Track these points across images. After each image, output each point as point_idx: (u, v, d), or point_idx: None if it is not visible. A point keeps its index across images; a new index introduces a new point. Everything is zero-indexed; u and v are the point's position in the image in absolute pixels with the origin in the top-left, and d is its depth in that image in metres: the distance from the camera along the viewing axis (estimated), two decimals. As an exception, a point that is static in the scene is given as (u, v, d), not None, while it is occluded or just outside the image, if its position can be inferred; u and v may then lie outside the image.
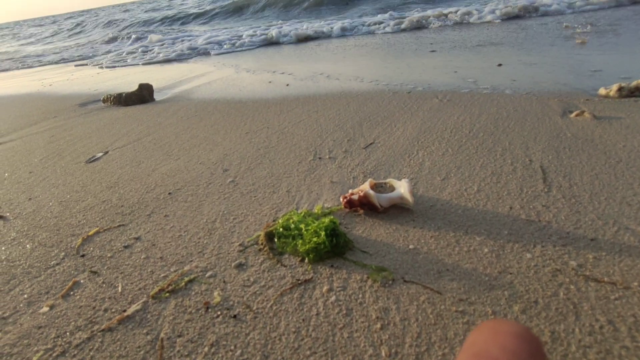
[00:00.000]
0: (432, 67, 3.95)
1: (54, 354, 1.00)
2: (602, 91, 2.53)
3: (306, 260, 1.25)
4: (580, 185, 1.52)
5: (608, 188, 1.48)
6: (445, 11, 7.82)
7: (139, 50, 8.85)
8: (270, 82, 4.17)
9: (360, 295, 1.08)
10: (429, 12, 8.08)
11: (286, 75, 4.44)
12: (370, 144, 2.15)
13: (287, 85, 3.89)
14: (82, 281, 1.26)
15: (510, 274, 1.10)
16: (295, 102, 3.22)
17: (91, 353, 0.99)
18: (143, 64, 7.23)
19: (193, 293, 1.15)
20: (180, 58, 7.42)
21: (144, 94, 3.94)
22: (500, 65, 3.67)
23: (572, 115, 2.23)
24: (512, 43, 4.77)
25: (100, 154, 2.49)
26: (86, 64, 8.17)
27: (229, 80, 4.53)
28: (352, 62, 4.94)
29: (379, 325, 0.98)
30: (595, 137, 1.93)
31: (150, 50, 8.64)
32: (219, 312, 1.07)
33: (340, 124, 2.53)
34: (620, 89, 2.41)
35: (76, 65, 8.22)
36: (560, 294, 1.02)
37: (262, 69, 5.11)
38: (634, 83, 2.40)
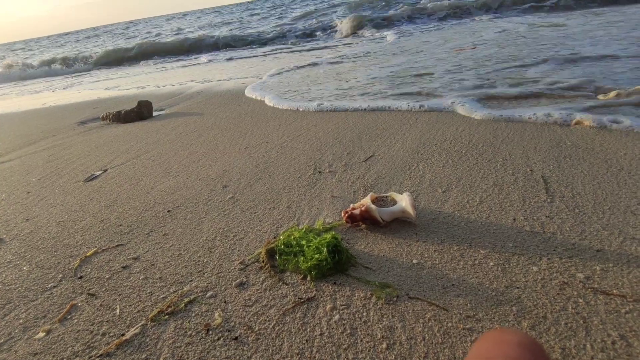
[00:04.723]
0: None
1: (50, 382, 0.97)
2: (600, 98, 2.54)
3: (308, 277, 1.22)
4: (583, 195, 1.50)
5: (611, 197, 1.46)
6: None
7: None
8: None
9: (365, 314, 1.06)
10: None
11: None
12: (370, 157, 2.15)
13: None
14: (79, 304, 1.23)
15: (517, 288, 1.08)
16: (294, 115, 3.23)
17: (88, 380, 0.96)
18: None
19: (193, 315, 1.13)
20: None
21: (142, 111, 3.95)
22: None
23: (572, 123, 2.23)
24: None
25: (99, 172, 2.47)
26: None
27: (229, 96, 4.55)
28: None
29: (384, 345, 0.95)
30: (595, 145, 1.93)
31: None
32: (219, 334, 1.04)
33: (339, 137, 2.53)
34: (618, 96, 2.41)
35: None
36: (569, 308, 1.00)
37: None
38: (631, 90, 2.41)
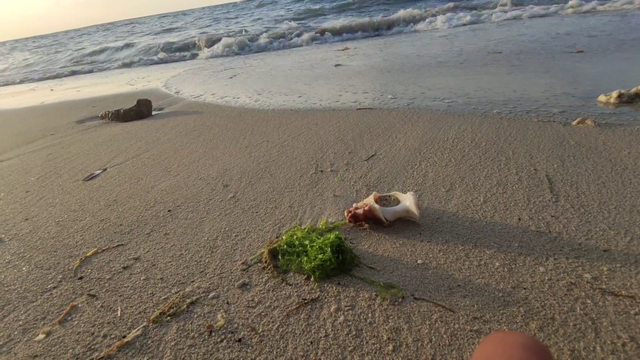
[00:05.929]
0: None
1: (50, 385, 0.95)
2: (602, 98, 2.53)
3: (312, 278, 1.21)
4: (588, 194, 1.49)
5: (616, 196, 1.45)
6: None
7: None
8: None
9: (370, 315, 1.04)
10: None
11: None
12: (372, 155, 2.13)
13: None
14: (80, 305, 1.21)
15: (525, 288, 1.07)
16: (295, 114, 3.21)
17: (89, 383, 0.94)
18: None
19: (195, 316, 1.11)
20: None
21: (142, 110, 3.92)
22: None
23: (574, 122, 2.21)
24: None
25: (99, 172, 2.45)
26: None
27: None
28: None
29: (390, 347, 0.94)
30: (598, 144, 1.91)
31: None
32: (223, 336, 1.03)
33: (341, 136, 2.51)
34: (620, 96, 2.41)
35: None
36: (577, 309, 0.98)
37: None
38: (633, 89, 2.40)
